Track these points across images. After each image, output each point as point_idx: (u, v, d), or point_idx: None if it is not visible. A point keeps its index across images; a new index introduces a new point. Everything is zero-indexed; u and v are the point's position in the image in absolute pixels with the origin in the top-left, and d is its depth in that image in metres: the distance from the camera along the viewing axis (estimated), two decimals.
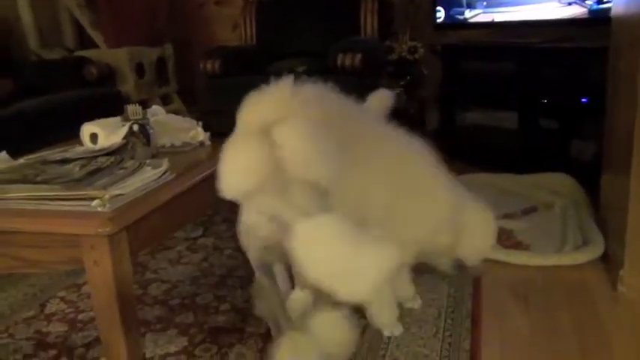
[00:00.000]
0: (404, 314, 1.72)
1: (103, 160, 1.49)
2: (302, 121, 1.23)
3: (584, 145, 2.73)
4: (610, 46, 2.17)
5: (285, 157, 1.19)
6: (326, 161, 1.21)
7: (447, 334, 1.61)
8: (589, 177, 2.44)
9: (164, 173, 1.46)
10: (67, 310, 1.86)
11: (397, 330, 1.63)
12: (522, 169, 2.83)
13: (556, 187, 2.64)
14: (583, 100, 2.68)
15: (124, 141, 1.65)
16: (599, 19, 2.69)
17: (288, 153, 1.19)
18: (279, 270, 1.50)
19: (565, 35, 2.93)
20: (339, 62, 3.01)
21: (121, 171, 1.42)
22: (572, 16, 2.87)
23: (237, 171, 1.24)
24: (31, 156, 1.63)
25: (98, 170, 1.41)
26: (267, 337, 1.64)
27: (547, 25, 3.04)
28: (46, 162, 1.53)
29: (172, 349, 1.61)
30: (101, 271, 1.25)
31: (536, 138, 2.93)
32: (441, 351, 1.53)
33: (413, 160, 1.54)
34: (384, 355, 1.53)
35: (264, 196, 1.25)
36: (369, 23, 3.55)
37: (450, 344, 1.56)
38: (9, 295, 1.97)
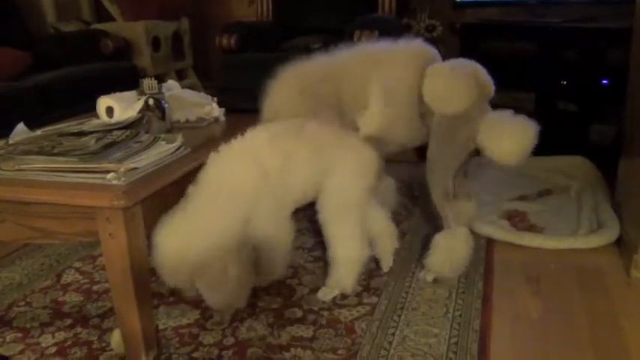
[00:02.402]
0: (414, 294, 1.73)
1: (118, 134, 1.50)
2: None
3: (603, 129, 2.69)
4: (633, 26, 2.12)
5: None
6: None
7: (457, 313, 1.62)
8: (607, 161, 2.41)
9: (179, 148, 1.47)
10: (82, 281, 1.89)
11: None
12: (539, 151, 2.79)
13: (573, 170, 2.61)
14: (603, 82, 2.63)
15: (140, 115, 1.66)
16: None
17: None
18: None
19: (586, 15, 2.86)
20: (355, 39, 2.97)
21: (136, 145, 1.42)
22: None
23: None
24: (47, 128, 1.65)
25: (114, 143, 1.42)
26: (277, 312, 1.65)
27: (568, 4, 2.98)
28: (62, 134, 1.54)
29: (185, 321, 1.63)
30: (116, 244, 1.27)
31: (554, 120, 2.89)
32: (451, 330, 1.54)
33: None
34: (393, 334, 1.54)
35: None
36: (386, 0, 3.50)
37: (459, 324, 1.57)
38: (26, 264, 2.01)
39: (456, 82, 1.70)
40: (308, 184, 1.60)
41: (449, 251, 1.76)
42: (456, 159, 1.75)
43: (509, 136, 1.67)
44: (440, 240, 1.77)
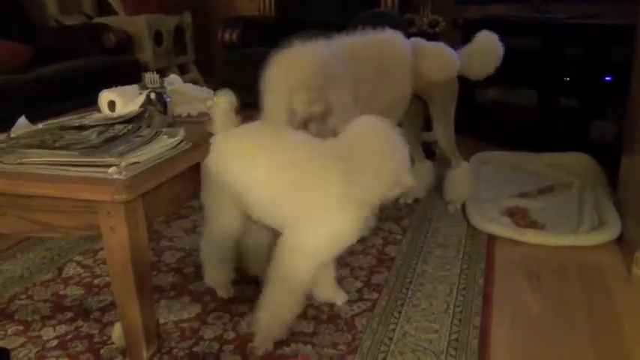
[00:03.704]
0: (415, 290, 1.73)
1: (120, 128, 1.50)
2: None
3: (605, 126, 2.69)
4: (637, 23, 2.12)
5: None
6: None
7: (458, 310, 1.62)
8: (609, 158, 2.41)
9: (180, 142, 1.47)
10: (83, 275, 1.89)
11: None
12: (541, 147, 2.79)
13: (574, 167, 2.60)
14: (606, 78, 2.62)
15: (141, 109, 1.65)
16: None
17: None
18: None
19: (590, 11, 2.85)
20: None
21: (138, 139, 1.42)
22: None
23: None
24: (49, 122, 1.64)
25: (115, 137, 1.42)
26: None
27: (572, 1, 2.96)
28: (64, 128, 1.54)
29: (185, 315, 1.64)
30: (117, 238, 1.27)
31: (556, 117, 2.89)
32: (451, 326, 1.54)
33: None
34: (394, 329, 1.54)
35: None
36: None
37: (460, 320, 1.57)
38: (27, 258, 2.01)
39: (448, 52, 2.06)
40: None
41: (465, 182, 2.23)
42: (454, 110, 2.17)
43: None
44: (455, 176, 2.24)
